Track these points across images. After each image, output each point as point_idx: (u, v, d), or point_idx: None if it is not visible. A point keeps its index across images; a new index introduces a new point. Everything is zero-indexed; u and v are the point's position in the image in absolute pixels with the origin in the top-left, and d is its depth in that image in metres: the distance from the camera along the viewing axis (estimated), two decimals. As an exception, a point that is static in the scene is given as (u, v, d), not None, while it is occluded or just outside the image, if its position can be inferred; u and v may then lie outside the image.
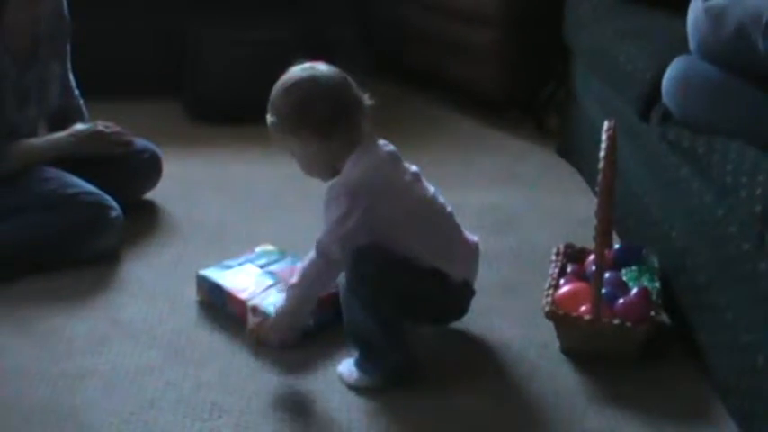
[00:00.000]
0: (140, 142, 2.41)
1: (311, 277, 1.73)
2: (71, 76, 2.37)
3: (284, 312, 1.73)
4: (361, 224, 1.70)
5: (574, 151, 2.71)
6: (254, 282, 1.94)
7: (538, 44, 2.96)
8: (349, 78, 1.76)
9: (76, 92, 2.39)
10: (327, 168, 1.78)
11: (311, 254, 1.74)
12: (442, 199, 1.83)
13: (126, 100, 2.95)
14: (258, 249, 2.08)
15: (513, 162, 2.77)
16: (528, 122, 3.02)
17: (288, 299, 1.74)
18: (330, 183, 1.75)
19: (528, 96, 3.05)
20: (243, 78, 2.93)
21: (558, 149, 2.82)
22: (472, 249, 1.83)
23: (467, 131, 2.99)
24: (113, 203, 2.16)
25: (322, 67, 1.76)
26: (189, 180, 2.58)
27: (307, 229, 2.00)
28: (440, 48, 3.11)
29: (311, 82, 1.73)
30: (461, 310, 1.85)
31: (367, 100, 1.76)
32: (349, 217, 1.70)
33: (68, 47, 2.32)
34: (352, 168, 1.73)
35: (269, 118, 1.77)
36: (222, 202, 2.48)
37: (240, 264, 2.01)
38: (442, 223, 1.80)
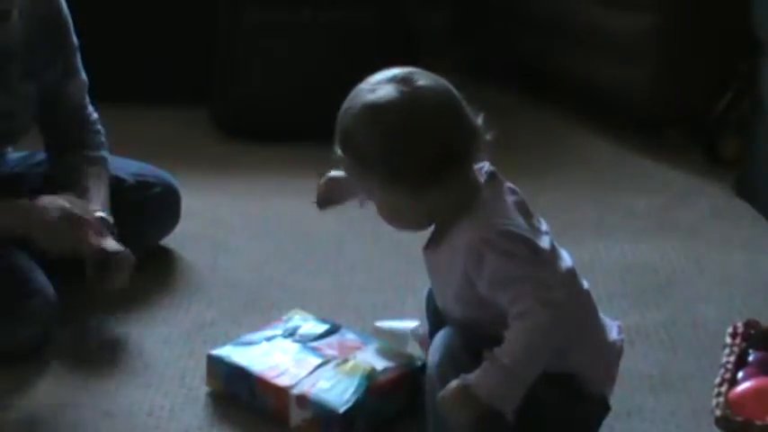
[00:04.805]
0: (151, 170, 2.43)
1: (536, 344, 1.62)
2: (83, 102, 2.32)
3: (496, 393, 1.60)
4: (554, 250, 1.72)
5: (759, 188, 2.68)
6: (294, 361, 1.95)
7: (713, 34, 2.95)
8: (461, 99, 1.68)
9: (94, 124, 2.33)
10: (422, 219, 1.75)
11: (519, 323, 1.62)
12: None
13: (137, 107, 3.02)
14: (287, 318, 2.07)
15: (672, 203, 2.76)
16: (694, 147, 3.01)
17: (504, 375, 1.61)
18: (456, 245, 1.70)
19: (695, 109, 3.04)
20: (294, 79, 2.96)
21: (737, 186, 2.80)
22: (616, 348, 1.81)
23: (604, 158, 2.99)
24: (40, 284, 2.08)
25: (423, 82, 1.65)
26: (217, 218, 2.61)
27: (376, 291, 2.02)
28: (569, 39, 3.12)
29: (411, 108, 1.63)
30: (589, 430, 1.83)
31: (483, 129, 1.68)
32: (538, 251, 1.67)
33: (71, 62, 2.27)
34: (488, 218, 1.69)
35: (338, 151, 1.70)
36: (261, 250, 2.50)
37: (268, 338, 2.01)
38: (586, 306, 1.78)
